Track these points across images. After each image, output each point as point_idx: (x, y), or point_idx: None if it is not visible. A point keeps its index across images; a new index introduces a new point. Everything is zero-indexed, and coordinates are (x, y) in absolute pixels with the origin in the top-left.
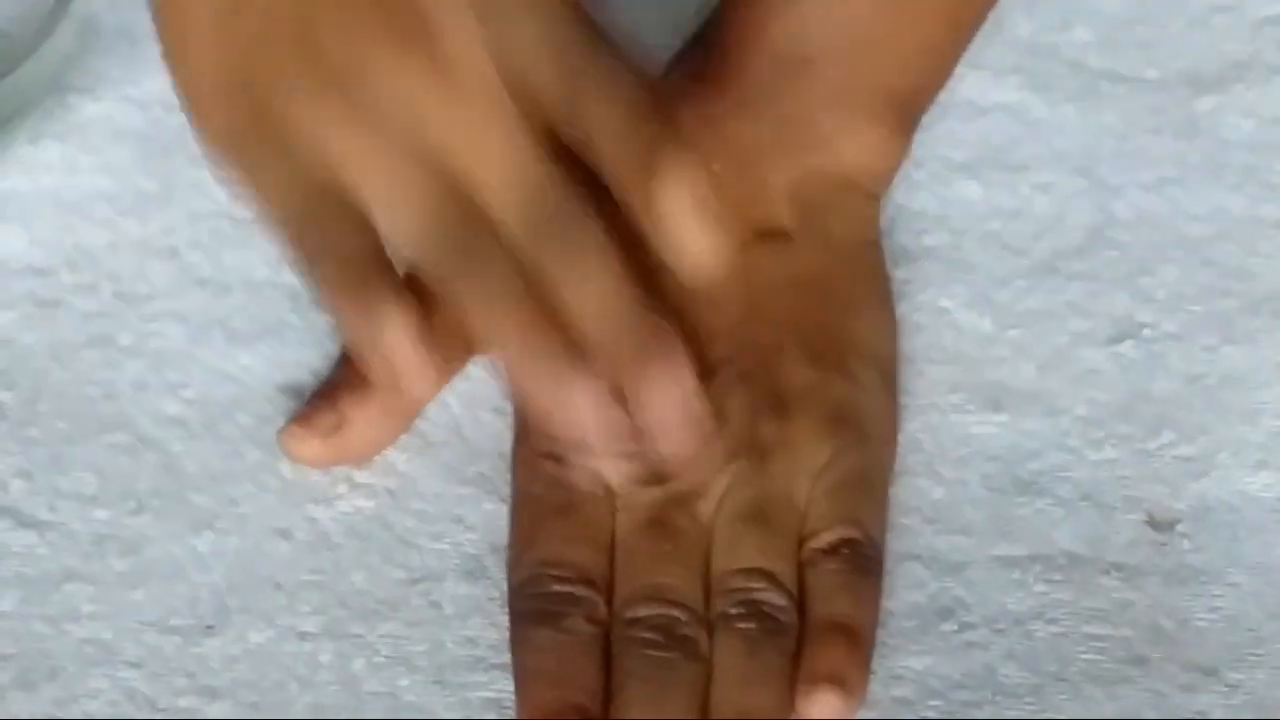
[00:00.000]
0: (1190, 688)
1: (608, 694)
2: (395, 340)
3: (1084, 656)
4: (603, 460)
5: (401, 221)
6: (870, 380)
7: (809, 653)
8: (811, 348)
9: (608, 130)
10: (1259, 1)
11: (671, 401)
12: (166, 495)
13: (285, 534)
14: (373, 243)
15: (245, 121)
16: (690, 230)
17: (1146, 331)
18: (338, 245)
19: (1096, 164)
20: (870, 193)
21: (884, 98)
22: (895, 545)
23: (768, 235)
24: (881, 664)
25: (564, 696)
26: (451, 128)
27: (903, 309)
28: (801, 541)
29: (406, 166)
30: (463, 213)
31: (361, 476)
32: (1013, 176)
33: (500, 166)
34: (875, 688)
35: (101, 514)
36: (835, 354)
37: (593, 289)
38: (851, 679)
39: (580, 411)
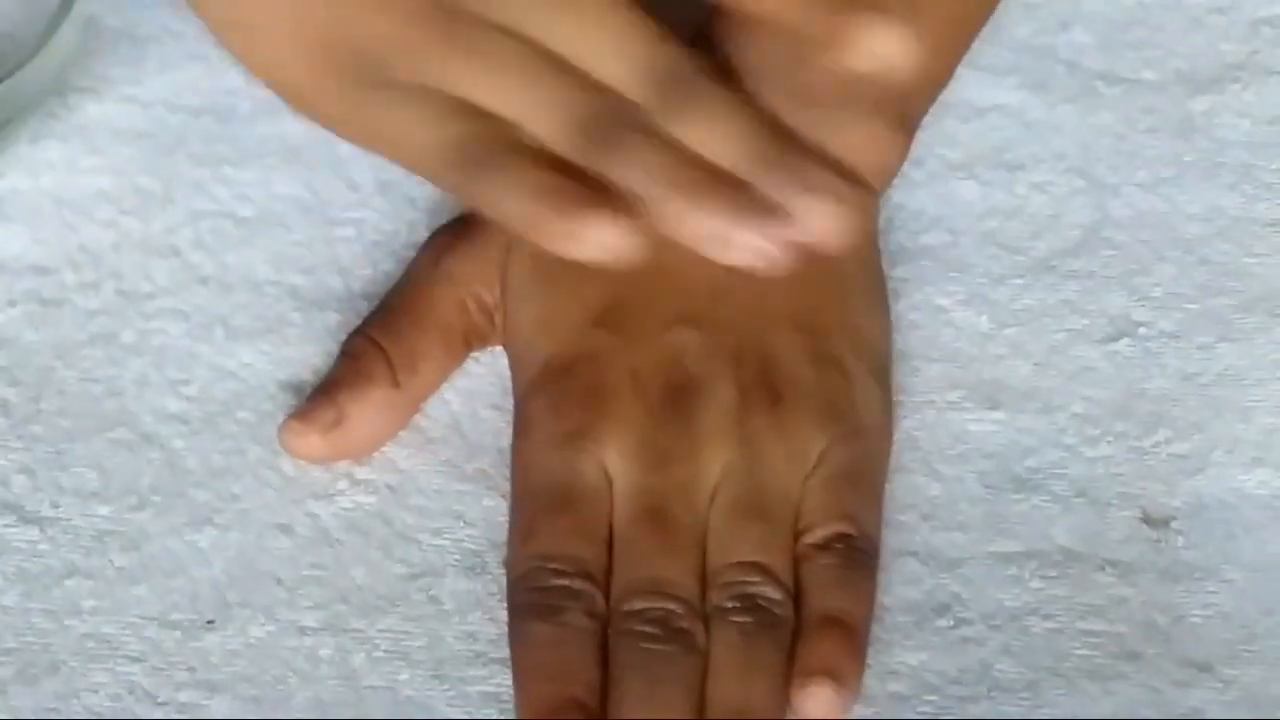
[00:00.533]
0: (1185, 684)
1: (606, 687)
2: (615, 237)
3: (1079, 652)
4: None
5: (547, 128)
6: (865, 375)
7: (803, 647)
8: (806, 339)
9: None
10: (1255, 2)
11: (833, 211)
12: (168, 491)
13: (286, 529)
14: (536, 155)
15: (353, 78)
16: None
17: (1143, 330)
18: (512, 170)
19: (1093, 163)
20: (869, 190)
21: (883, 96)
22: (892, 541)
23: None
24: (877, 659)
25: (562, 690)
26: (567, 29)
27: (900, 307)
28: (796, 535)
29: (538, 76)
30: (602, 104)
31: (362, 472)
32: (1010, 176)
33: (622, 56)
34: (871, 683)
35: (103, 510)
36: (830, 349)
37: (738, 137)
38: (846, 673)
39: (757, 233)
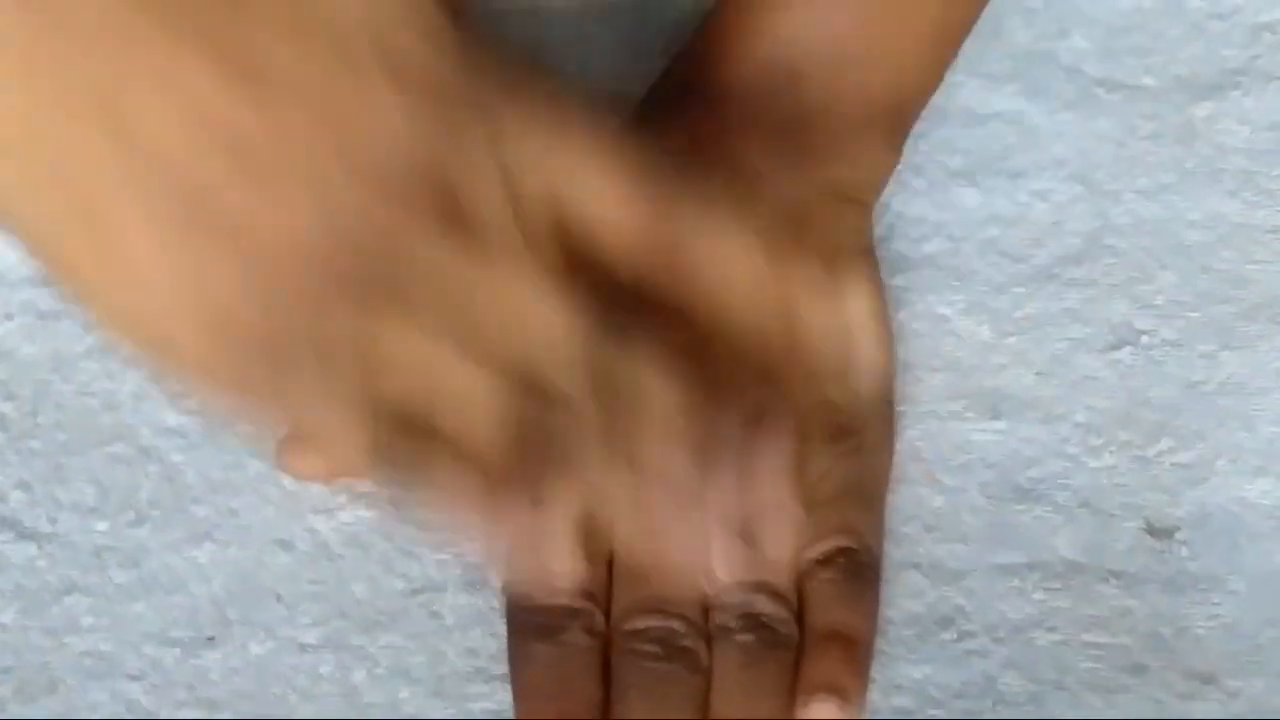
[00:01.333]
0: (1189, 695)
1: (607, 706)
2: (555, 533)
3: (1083, 664)
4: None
5: (480, 428)
6: (865, 390)
7: (807, 663)
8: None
9: (732, 280)
10: (1255, 8)
11: (781, 530)
12: (167, 506)
13: (286, 545)
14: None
15: (265, 365)
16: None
17: (1145, 338)
18: (435, 459)
19: (1094, 171)
20: (862, 202)
21: (872, 107)
22: (894, 553)
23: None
24: (881, 673)
25: (563, 709)
26: (492, 312)
27: (901, 316)
28: (799, 551)
29: (464, 368)
30: (531, 398)
31: (362, 487)
32: (1011, 183)
33: (547, 341)
34: (875, 697)
35: (102, 525)
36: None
37: (670, 434)
38: (850, 688)
39: (700, 553)
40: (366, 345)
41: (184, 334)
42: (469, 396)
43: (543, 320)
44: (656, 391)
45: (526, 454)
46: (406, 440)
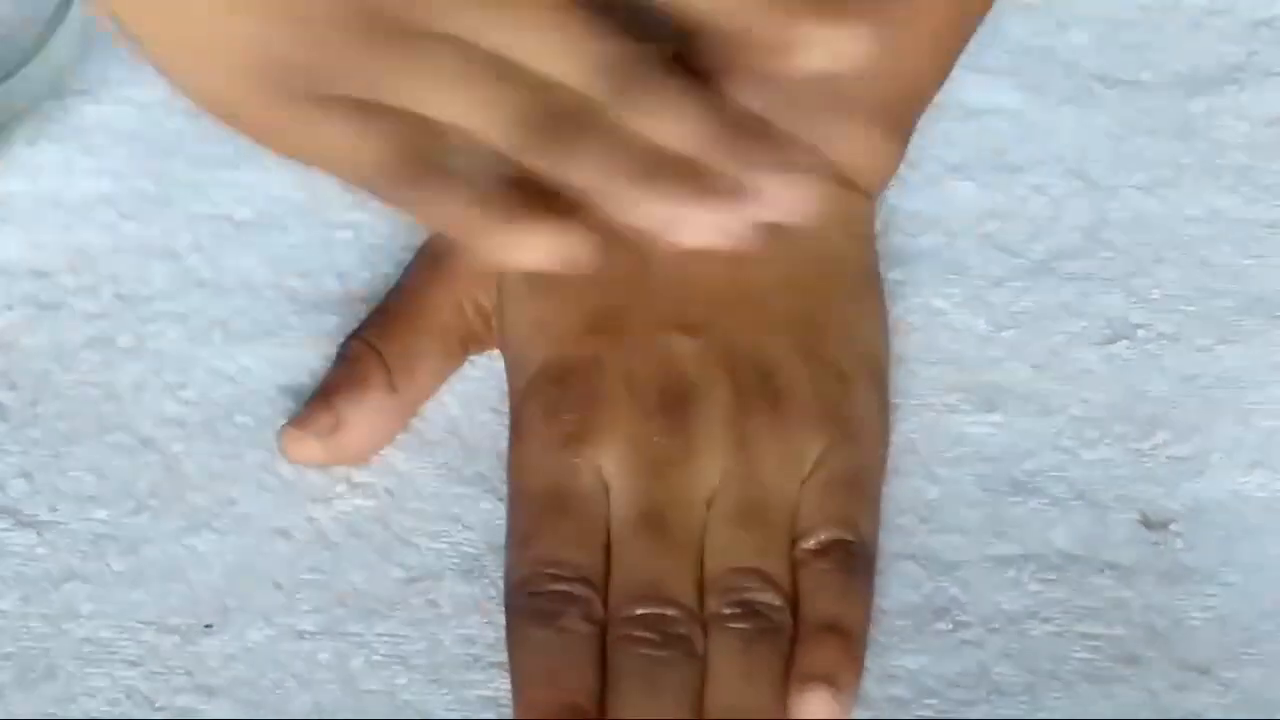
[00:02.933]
0: (1184, 686)
1: (604, 693)
2: (559, 243)
3: (1078, 655)
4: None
5: (490, 129)
6: (861, 377)
7: (801, 652)
8: (803, 343)
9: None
10: (1253, 4)
11: (795, 182)
12: (166, 495)
13: (284, 533)
14: (474, 162)
15: (281, 92)
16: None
17: (1141, 332)
18: (449, 179)
19: (1091, 165)
20: (864, 193)
21: (878, 101)
22: (890, 545)
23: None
24: (876, 663)
25: (560, 696)
26: (503, 29)
27: (898, 310)
28: (794, 541)
29: (476, 78)
30: (546, 100)
31: (360, 476)
32: (1008, 178)
33: (566, 52)
34: (870, 686)
35: (101, 514)
36: (826, 350)
37: (693, 122)
38: (843, 678)
39: (718, 211)
40: (377, 57)
41: (212, 70)
42: (486, 98)
43: (564, 24)
44: (678, 93)
45: (545, 154)
46: (418, 153)
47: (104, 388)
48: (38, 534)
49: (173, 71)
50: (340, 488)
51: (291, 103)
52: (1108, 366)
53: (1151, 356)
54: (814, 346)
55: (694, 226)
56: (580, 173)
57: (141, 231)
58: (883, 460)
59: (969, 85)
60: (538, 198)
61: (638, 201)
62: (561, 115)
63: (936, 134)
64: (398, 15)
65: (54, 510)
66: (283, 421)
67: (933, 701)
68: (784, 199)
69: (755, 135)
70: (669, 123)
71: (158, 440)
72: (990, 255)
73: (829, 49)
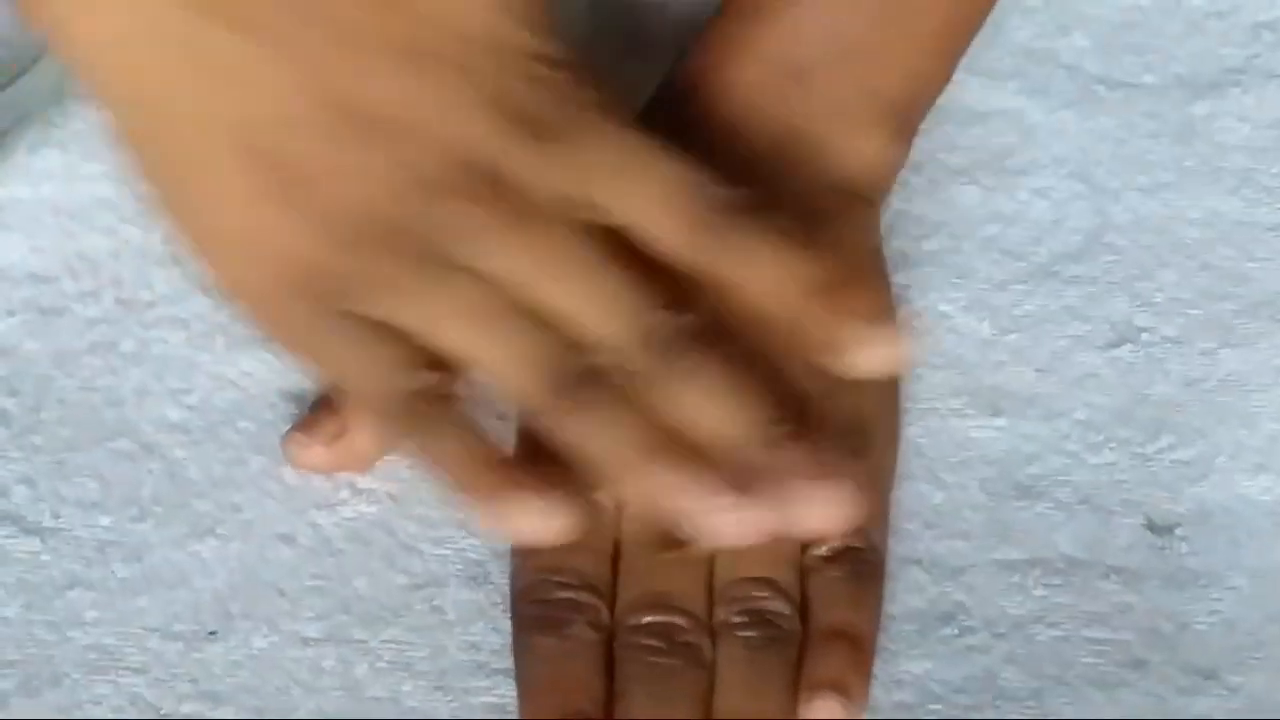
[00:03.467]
0: (1190, 691)
1: (610, 701)
2: (541, 522)
3: (1084, 660)
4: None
5: (510, 380)
6: (873, 387)
7: (811, 660)
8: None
9: (762, 274)
10: (1255, 7)
11: (834, 515)
12: (169, 501)
13: (288, 540)
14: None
15: (311, 302)
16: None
17: (1145, 335)
18: (449, 437)
19: (1094, 168)
20: (869, 200)
21: (880, 106)
22: (895, 550)
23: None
24: (882, 668)
25: (566, 703)
26: (544, 273)
27: (902, 313)
28: (803, 548)
29: (507, 323)
30: (575, 359)
31: (364, 482)
32: (1011, 181)
33: (610, 311)
34: (876, 692)
35: (104, 520)
36: None
37: (733, 410)
38: (853, 686)
39: (730, 529)
40: (410, 285)
41: (250, 271)
42: (514, 348)
43: (592, 286)
44: (721, 377)
45: (560, 417)
46: (427, 402)
47: (106, 393)
48: (41, 541)
49: (209, 261)
50: (344, 494)
51: (311, 308)
52: (1112, 370)
53: (1155, 360)
54: None
55: (710, 531)
56: (599, 446)
57: (143, 236)
58: (893, 468)
59: (971, 88)
60: (526, 472)
61: (659, 489)
62: (589, 379)
63: (939, 137)
64: (430, 238)
65: (57, 517)
66: (286, 427)
67: (938, 707)
68: (815, 514)
69: (794, 434)
70: (708, 405)
71: (161, 446)
72: (994, 259)
73: (879, 353)
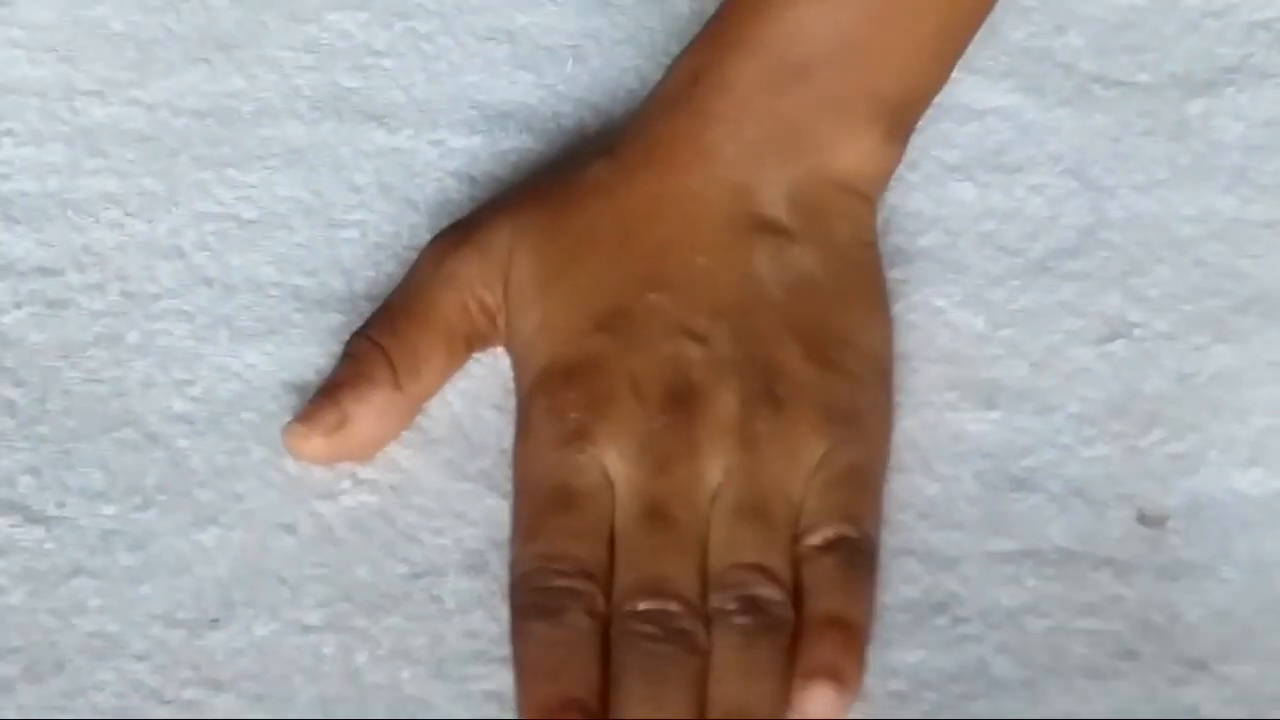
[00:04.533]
0: (1181, 681)
1: (607, 686)
2: None
3: (1076, 650)
4: None
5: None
6: (865, 377)
7: (805, 647)
8: (808, 345)
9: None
10: (1249, 6)
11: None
12: (173, 491)
13: (289, 529)
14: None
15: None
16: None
17: (1138, 330)
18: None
19: (1089, 166)
20: (865, 196)
21: (878, 104)
22: (890, 541)
23: (767, 229)
24: (876, 658)
25: (564, 690)
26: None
27: (898, 308)
28: (797, 537)
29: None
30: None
31: (364, 472)
32: (1006, 178)
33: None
34: (869, 681)
35: (109, 509)
36: (832, 351)
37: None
38: (847, 673)
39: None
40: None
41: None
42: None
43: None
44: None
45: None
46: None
47: (111, 385)
48: (46, 529)
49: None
50: (345, 484)
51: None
52: (1105, 364)
53: (1148, 355)
54: (820, 348)
55: None
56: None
57: (148, 230)
58: (886, 459)
59: (968, 86)
60: None
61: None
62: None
63: (936, 135)
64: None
65: (62, 506)
66: (288, 418)
67: (931, 696)
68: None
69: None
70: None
71: (164, 436)
72: (989, 254)
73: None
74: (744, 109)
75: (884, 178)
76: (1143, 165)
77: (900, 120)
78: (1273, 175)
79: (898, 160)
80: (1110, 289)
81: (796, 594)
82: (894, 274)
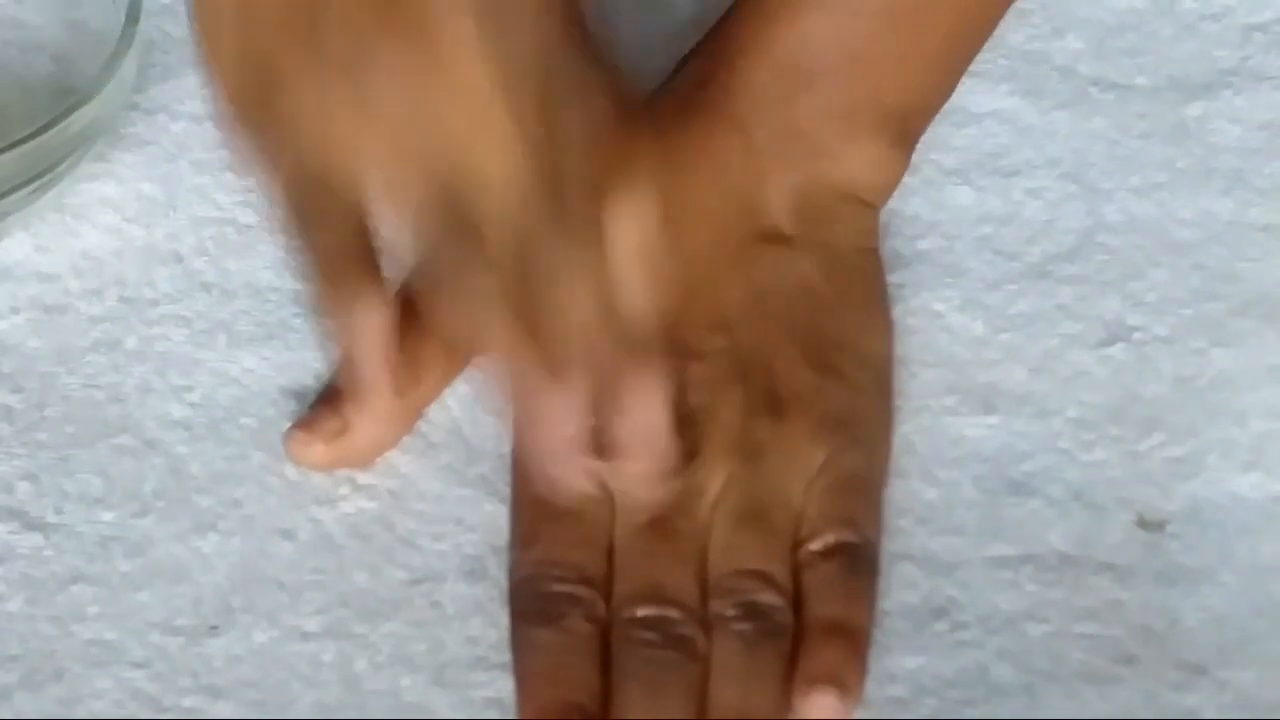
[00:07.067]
0: (1180, 686)
1: (607, 693)
2: (362, 339)
3: (1076, 655)
4: (565, 471)
5: (393, 213)
6: (866, 384)
7: (806, 654)
8: (809, 351)
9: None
10: (1247, 9)
11: (643, 421)
12: (171, 497)
13: (288, 535)
14: (358, 235)
15: (256, 97)
16: (629, 278)
17: (1136, 334)
18: (324, 234)
19: (1087, 169)
20: (869, 204)
21: (884, 113)
22: (889, 546)
23: (768, 239)
24: (876, 663)
25: (564, 696)
26: (446, 125)
27: (896, 312)
28: (797, 543)
29: (403, 158)
30: (453, 210)
31: (364, 478)
32: (1005, 182)
33: (491, 167)
34: (870, 687)
35: (107, 516)
36: (832, 357)
37: (577, 299)
38: (848, 679)
39: (552, 422)
40: (321, 106)
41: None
42: (395, 178)
43: (491, 147)
44: (583, 263)
45: (426, 258)
46: (322, 208)
47: (109, 390)
48: (44, 536)
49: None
50: (344, 490)
51: (257, 102)
52: (1104, 369)
53: (1147, 359)
54: (821, 355)
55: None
56: (454, 306)
57: (146, 235)
58: (887, 465)
59: (966, 90)
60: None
61: (499, 377)
62: (455, 232)
63: (934, 138)
64: (338, 46)
65: (60, 513)
66: (287, 424)
67: (931, 701)
68: (631, 447)
69: (629, 353)
70: (556, 294)
71: (163, 442)
72: (987, 258)
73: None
74: (751, 115)
75: (889, 186)
76: (1141, 168)
77: (906, 130)
78: (1270, 178)
79: (903, 169)
80: (1109, 293)
81: (797, 600)
82: (892, 278)
